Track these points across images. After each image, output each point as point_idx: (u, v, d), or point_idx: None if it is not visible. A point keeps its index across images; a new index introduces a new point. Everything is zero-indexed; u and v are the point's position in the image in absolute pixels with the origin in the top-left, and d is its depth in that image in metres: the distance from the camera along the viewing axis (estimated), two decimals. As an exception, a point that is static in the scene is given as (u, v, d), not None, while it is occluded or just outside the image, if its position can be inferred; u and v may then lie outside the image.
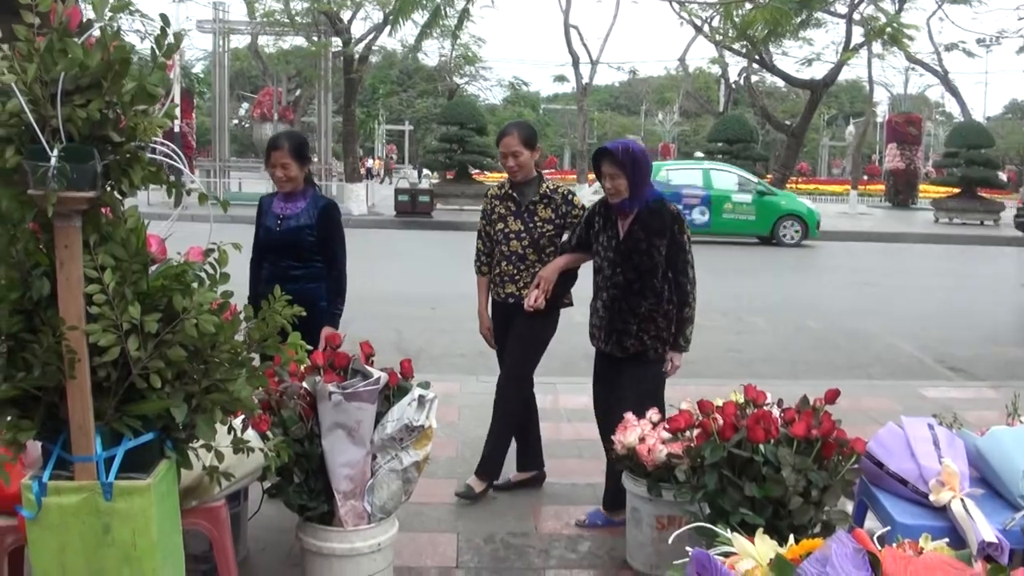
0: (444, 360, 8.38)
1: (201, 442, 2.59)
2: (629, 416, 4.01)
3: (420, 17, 22.18)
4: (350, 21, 26.19)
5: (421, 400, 3.62)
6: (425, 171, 38.31)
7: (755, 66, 31.89)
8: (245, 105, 46.78)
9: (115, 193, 2.35)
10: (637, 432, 3.92)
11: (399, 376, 3.77)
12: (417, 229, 22.93)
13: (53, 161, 2.12)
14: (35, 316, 2.31)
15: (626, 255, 4.26)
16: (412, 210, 24.40)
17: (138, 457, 2.46)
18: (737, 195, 21.14)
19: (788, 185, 28.88)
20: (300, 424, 3.53)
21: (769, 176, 28.89)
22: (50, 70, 2.14)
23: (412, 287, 12.74)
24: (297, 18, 25.65)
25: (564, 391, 6.88)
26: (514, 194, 4.83)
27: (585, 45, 33.62)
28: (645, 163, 4.25)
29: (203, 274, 2.49)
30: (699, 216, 20.57)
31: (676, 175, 21.43)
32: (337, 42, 26.19)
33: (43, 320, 2.29)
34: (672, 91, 56.53)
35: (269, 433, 3.36)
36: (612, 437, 4.01)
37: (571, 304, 4.86)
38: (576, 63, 31.18)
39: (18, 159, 2.17)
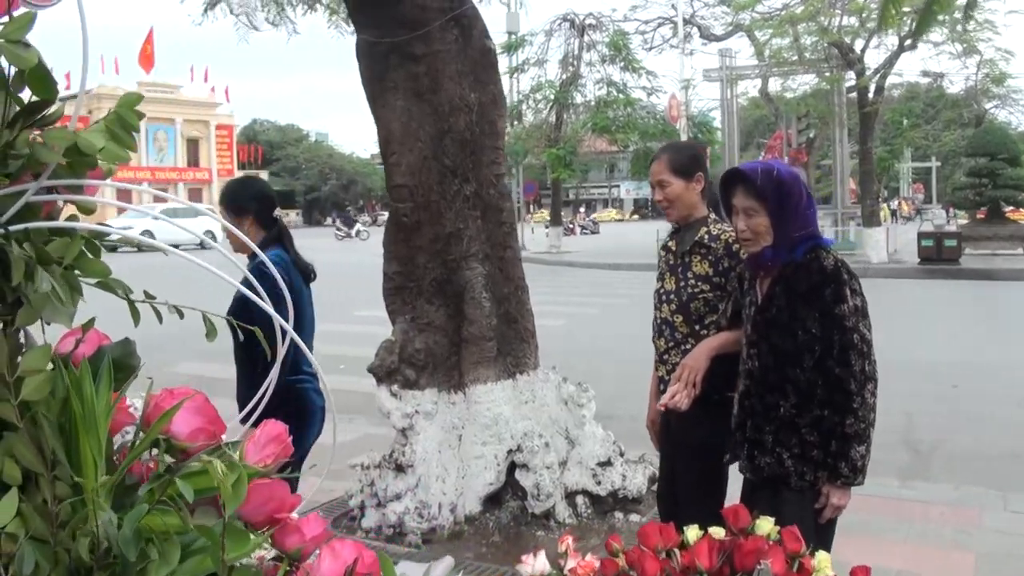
0: (964, 464, 6.25)
1: None
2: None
3: (939, 36, 19.62)
4: (863, 51, 24.06)
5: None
6: (953, 211, 35.15)
7: None
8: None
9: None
10: None
11: None
12: (942, 278, 20.14)
13: None
14: None
15: (763, 331, 2.84)
16: (937, 256, 21.86)
17: None
18: None
19: None
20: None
21: None
22: None
23: (932, 354, 10.44)
24: (806, 53, 24.23)
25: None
26: (671, 244, 3.49)
27: None
28: (797, 195, 2.81)
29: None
30: None
31: None
32: (850, 75, 24.26)
33: None
34: None
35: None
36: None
37: None
38: None
39: None
